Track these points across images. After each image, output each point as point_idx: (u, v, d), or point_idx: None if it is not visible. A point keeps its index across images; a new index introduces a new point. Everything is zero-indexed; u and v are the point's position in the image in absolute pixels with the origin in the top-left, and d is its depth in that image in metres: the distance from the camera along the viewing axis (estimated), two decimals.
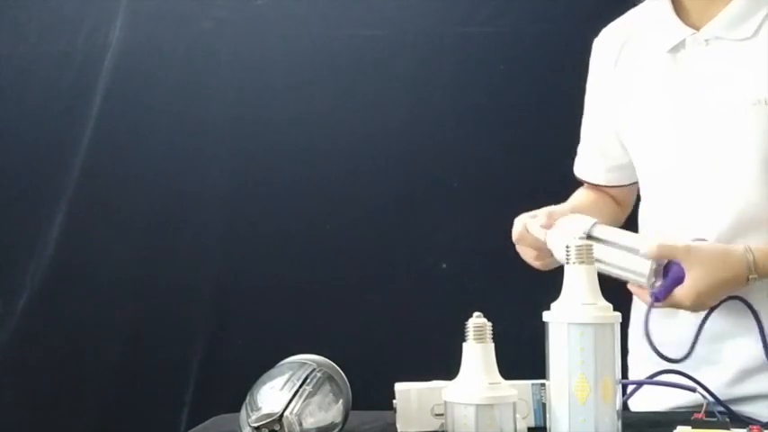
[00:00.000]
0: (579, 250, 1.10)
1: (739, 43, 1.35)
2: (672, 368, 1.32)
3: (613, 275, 1.30)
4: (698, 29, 1.38)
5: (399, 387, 1.24)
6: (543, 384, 1.18)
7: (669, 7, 1.42)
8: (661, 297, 1.28)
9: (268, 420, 1.09)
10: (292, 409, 1.10)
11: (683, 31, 1.39)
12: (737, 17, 1.35)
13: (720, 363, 1.37)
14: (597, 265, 1.17)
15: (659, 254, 1.26)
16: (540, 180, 2.35)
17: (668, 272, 1.28)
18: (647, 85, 1.43)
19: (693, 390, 1.27)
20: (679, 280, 1.27)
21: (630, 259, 1.28)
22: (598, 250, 1.22)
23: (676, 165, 1.39)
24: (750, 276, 1.26)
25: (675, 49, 1.39)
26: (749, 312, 1.32)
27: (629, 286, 1.33)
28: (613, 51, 1.51)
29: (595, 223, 1.32)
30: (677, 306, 1.29)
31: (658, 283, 1.28)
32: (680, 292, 1.27)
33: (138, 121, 2.43)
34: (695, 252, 1.26)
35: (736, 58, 1.34)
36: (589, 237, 1.29)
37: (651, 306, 1.29)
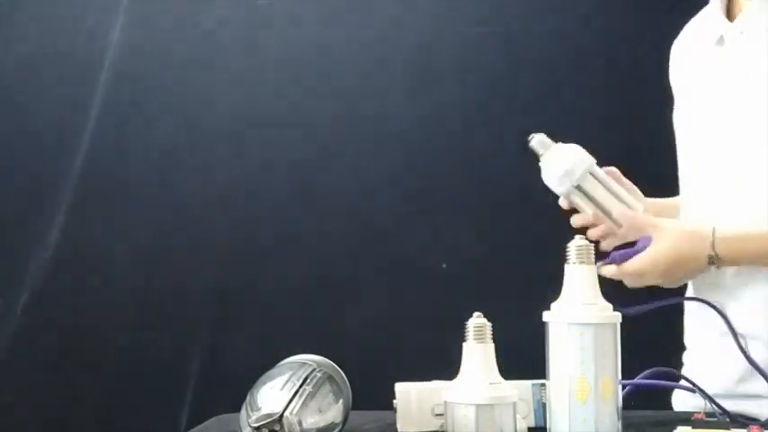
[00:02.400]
0: (579, 250, 1.10)
1: None
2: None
3: (589, 212, 1.35)
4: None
5: (399, 387, 1.24)
6: (543, 384, 1.18)
7: (718, 3, 1.41)
8: (617, 260, 1.29)
9: (268, 420, 1.09)
10: (292, 409, 1.10)
11: (723, 25, 1.38)
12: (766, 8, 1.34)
13: (731, 357, 1.36)
14: (581, 197, 1.32)
15: (631, 225, 1.31)
16: (541, 180, 2.35)
17: (636, 243, 1.31)
18: (695, 78, 1.44)
19: (693, 390, 1.27)
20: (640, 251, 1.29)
21: (615, 204, 1.33)
22: (592, 185, 1.33)
23: (705, 158, 1.38)
24: (711, 264, 1.27)
25: (720, 41, 1.39)
26: (762, 312, 1.31)
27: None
28: (677, 51, 1.52)
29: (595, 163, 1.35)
30: (635, 274, 1.29)
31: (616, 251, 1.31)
32: (635, 262, 1.28)
33: (138, 120, 2.43)
34: (663, 228, 1.29)
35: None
36: (591, 173, 1.33)
37: (603, 262, 1.29)
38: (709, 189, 1.38)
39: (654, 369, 1.33)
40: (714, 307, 1.32)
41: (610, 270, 1.29)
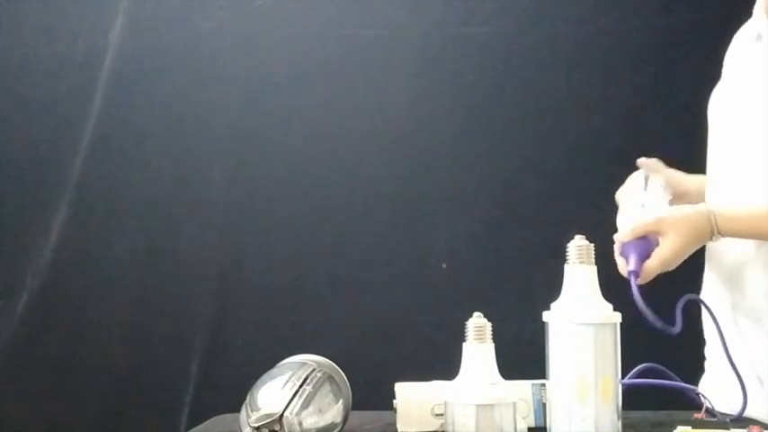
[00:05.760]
0: (579, 250, 1.10)
1: None
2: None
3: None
4: None
5: (399, 387, 1.24)
6: (543, 384, 1.18)
7: (763, 3, 1.46)
8: (638, 271, 1.28)
9: (268, 420, 1.09)
10: (292, 409, 1.10)
11: (762, 22, 1.43)
12: None
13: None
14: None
15: (632, 236, 1.31)
16: (540, 180, 2.35)
17: (638, 246, 1.30)
18: (734, 69, 1.49)
19: (693, 390, 1.27)
20: (646, 255, 1.29)
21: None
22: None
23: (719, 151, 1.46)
24: (713, 237, 1.31)
25: (758, 38, 1.44)
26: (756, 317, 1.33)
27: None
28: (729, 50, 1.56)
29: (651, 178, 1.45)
30: (662, 267, 1.29)
31: (632, 260, 1.29)
32: (659, 257, 1.29)
33: (138, 121, 2.43)
34: (666, 221, 1.31)
35: None
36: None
37: (636, 284, 1.27)
38: (732, 169, 1.42)
39: (643, 366, 1.33)
40: (708, 308, 1.32)
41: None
